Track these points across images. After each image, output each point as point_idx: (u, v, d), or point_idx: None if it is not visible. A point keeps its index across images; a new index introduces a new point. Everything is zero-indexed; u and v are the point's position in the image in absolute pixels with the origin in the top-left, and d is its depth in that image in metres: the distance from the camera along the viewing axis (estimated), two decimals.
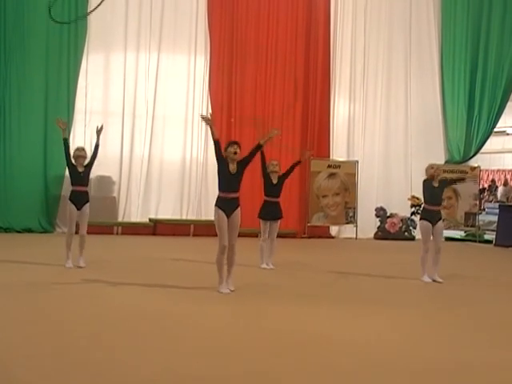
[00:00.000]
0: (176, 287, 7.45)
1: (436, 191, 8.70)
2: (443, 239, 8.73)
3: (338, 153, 16.47)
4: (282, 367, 4.40)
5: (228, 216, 7.05)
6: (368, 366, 4.50)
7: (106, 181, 14.91)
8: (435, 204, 8.70)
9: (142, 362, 4.41)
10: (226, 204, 7.05)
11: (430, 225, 8.63)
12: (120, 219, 14.92)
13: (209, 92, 15.50)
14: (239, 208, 7.18)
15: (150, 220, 15.06)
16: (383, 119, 16.91)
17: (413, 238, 16.14)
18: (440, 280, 8.68)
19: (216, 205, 7.10)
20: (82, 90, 14.64)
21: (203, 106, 15.55)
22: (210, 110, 15.17)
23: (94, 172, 14.21)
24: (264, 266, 9.31)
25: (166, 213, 15.31)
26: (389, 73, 16.90)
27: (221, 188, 7.13)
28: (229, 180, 7.09)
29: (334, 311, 6.43)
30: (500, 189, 22.18)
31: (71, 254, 8.83)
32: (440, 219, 8.69)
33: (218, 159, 7.20)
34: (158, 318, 5.84)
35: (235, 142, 7.31)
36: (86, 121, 14.83)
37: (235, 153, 7.11)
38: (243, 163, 7.16)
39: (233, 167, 7.09)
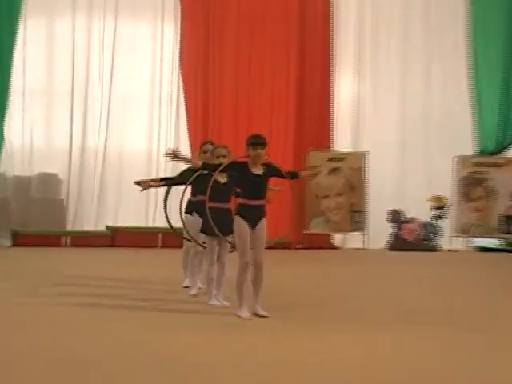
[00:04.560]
0: (154, 311, 6.70)
1: None
2: None
3: (341, 143, 15.44)
4: None
5: (252, 227, 6.56)
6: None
7: (50, 179, 14.11)
8: None
9: None
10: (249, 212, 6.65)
11: None
12: (69, 227, 14.16)
13: (180, 67, 14.57)
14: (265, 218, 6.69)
15: (107, 228, 14.23)
16: (398, 101, 15.66)
17: (434, 249, 14.42)
18: None
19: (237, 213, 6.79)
20: (18, 65, 13.75)
21: (173, 85, 14.66)
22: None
23: (36, 169, 13.97)
24: (214, 301, 6.97)
25: (128, 219, 14.40)
26: (405, 42, 15.58)
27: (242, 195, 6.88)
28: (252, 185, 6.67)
29: (333, 336, 5.89)
30: None
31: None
32: None
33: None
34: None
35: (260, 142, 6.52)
36: (24, 104, 13.87)
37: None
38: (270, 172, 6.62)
39: (257, 169, 6.51)
